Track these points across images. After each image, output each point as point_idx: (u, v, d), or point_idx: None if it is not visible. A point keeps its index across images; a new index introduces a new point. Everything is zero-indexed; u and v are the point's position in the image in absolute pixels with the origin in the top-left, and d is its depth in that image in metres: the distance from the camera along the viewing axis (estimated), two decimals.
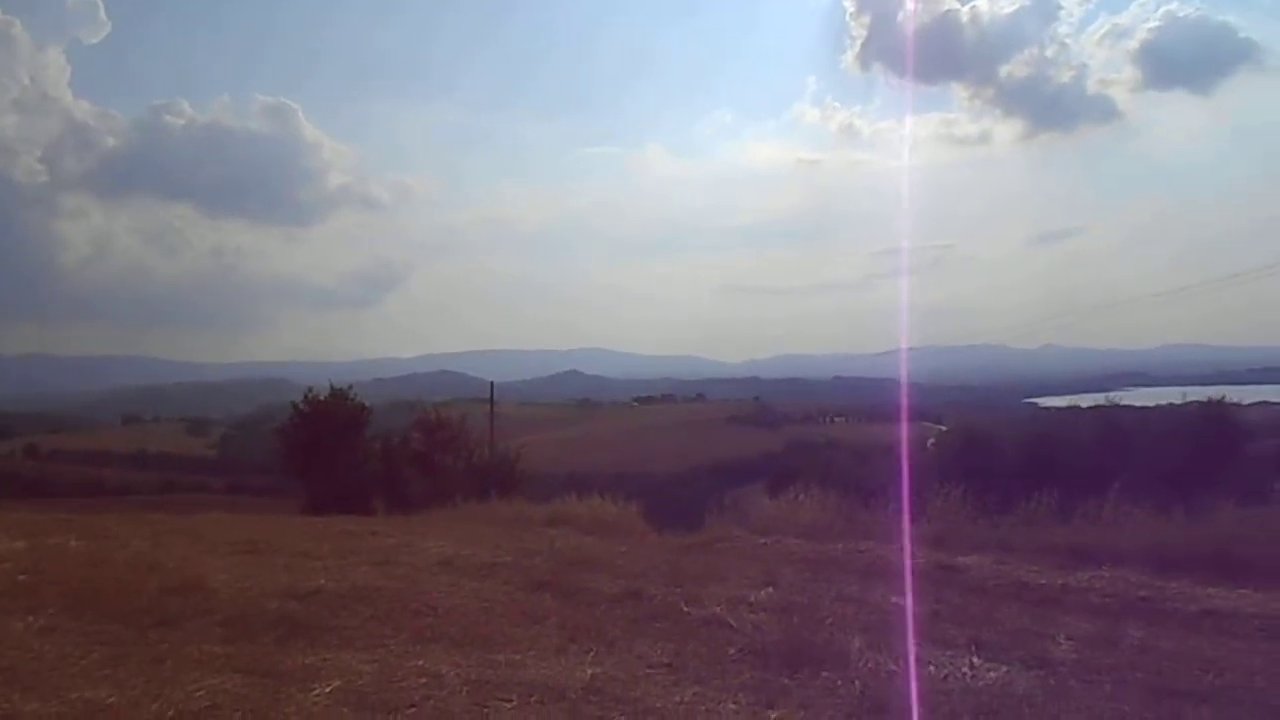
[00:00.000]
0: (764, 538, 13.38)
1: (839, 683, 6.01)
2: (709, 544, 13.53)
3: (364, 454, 27.51)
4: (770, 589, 9.22)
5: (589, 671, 6.26)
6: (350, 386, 28.80)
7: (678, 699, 5.71)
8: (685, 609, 8.34)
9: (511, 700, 5.65)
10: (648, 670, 6.43)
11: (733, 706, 5.56)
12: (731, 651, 6.91)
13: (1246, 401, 38.17)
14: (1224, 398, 33.61)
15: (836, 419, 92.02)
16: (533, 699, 5.68)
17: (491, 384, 31.97)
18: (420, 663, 6.29)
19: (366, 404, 29.18)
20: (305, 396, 28.29)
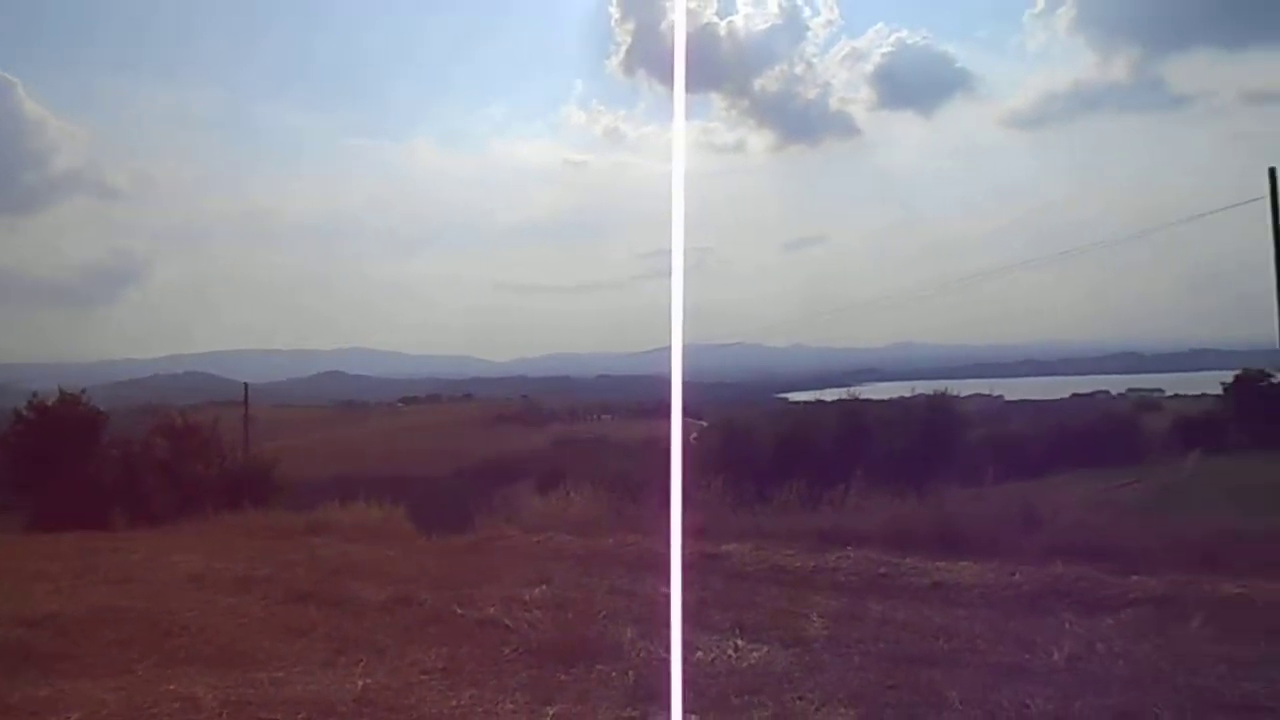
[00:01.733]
0: (536, 535, 13.47)
1: (613, 674, 6.17)
2: (480, 544, 13.46)
3: (100, 464, 25.10)
4: (544, 586, 9.31)
5: (360, 683, 6.09)
6: (84, 390, 26.39)
7: (454, 703, 5.67)
8: (458, 611, 8.26)
9: (277, 719, 5.40)
10: (422, 677, 6.33)
11: (510, 706, 5.58)
12: (507, 651, 6.92)
13: (964, 394, 42.32)
14: (946, 391, 37.02)
15: (603, 416, 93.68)
16: (299, 716, 5.44)
17: (246, 385, 30.23)
18: (172, 687, 5.87)
19: (102, 409, 26.75)
20: (30, 402, 25.55)
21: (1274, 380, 35.00)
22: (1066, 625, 7.20)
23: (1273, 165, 16.06)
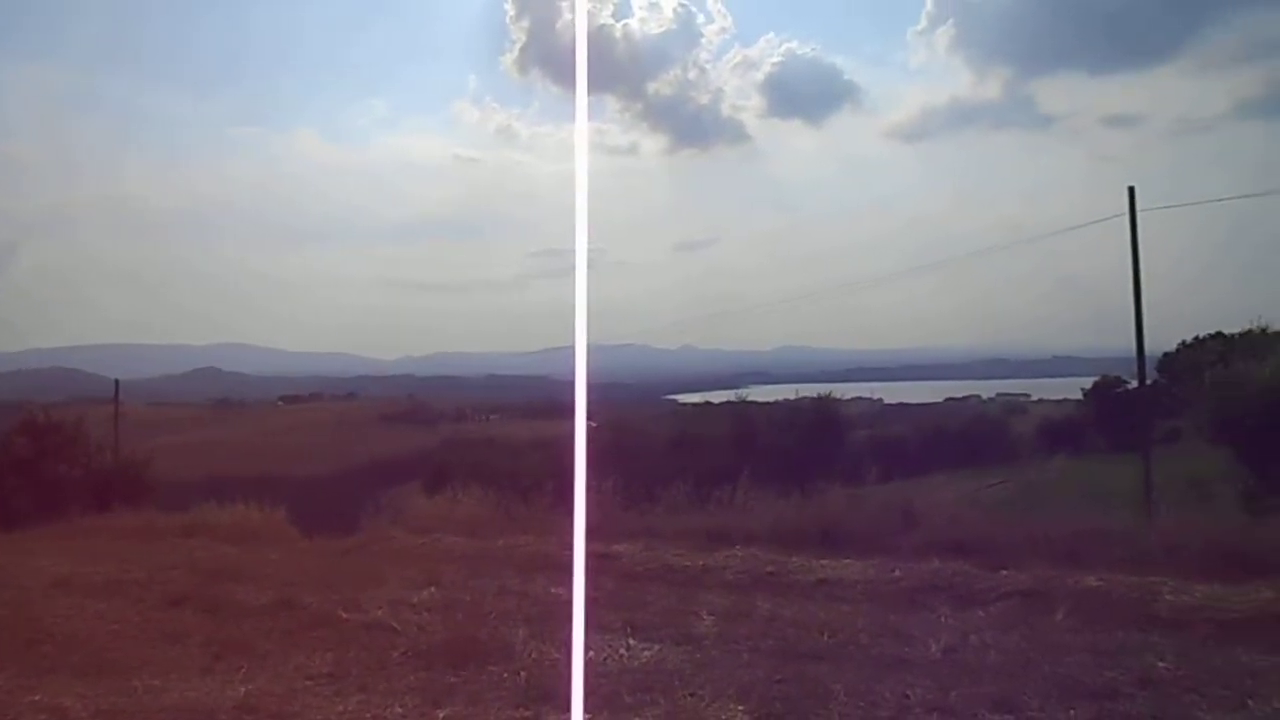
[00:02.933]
0: (423, 537, 13.26)
1: (505, 675, 6.16)
2: (365, 546, 13.17)
3: None
4: (432, 588, 9.20)
5: (241, 689, 5.92)
6: None
7: (340, 708, 5.56)
8: (344, 615, 8.10)
9: None
10: (307, 682, 6.19)
11: (399, 710, 5.50)
12: (395, 655, 6.83)
13: (847, 397, 43.41)
14: (830, 394, 37.93)
15: (492, 416, 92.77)
16: None
17: (116, 381, 28.71)
18: (38, 697, 5.60)
19: None
20: None
21: (1129, 387, 37.15)
22: (943, 619, 7.52)
23: (1131, 184, 17.11)
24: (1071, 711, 5.16)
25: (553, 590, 8.98)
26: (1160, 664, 5.97)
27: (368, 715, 5.43)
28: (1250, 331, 22.00)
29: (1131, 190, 16.21)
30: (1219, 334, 33.59)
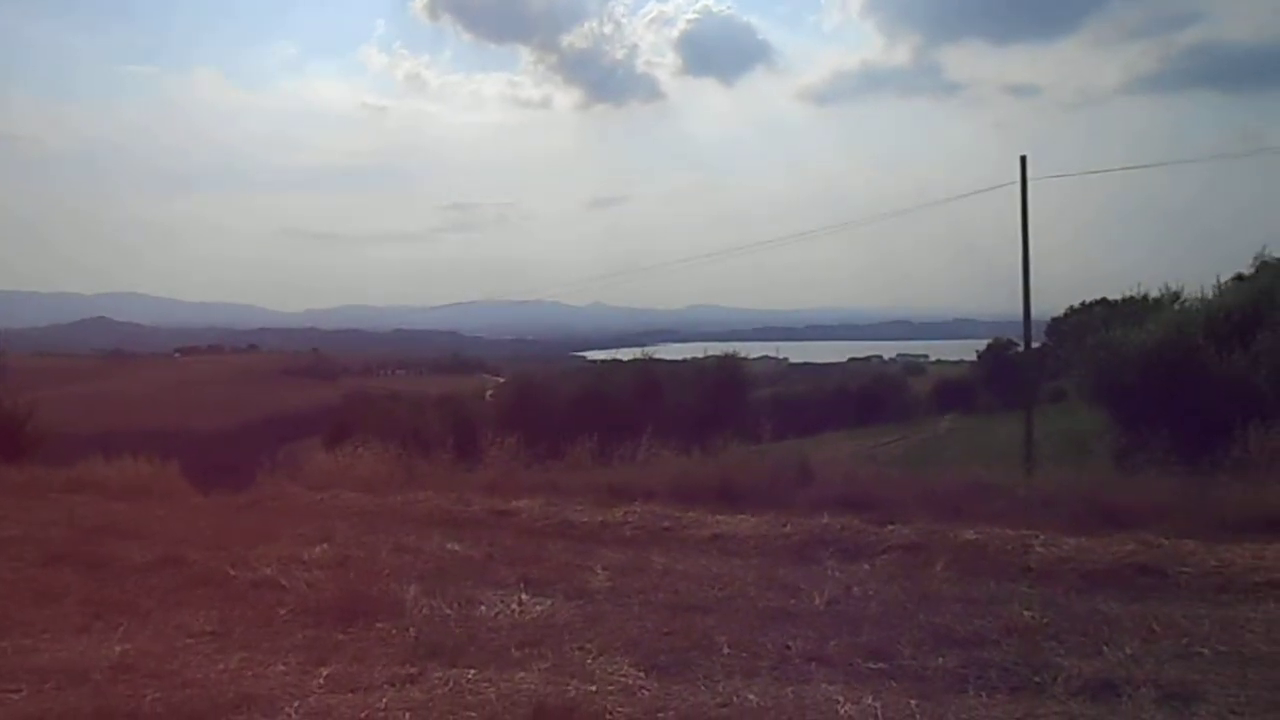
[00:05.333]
0: (320, 493, 13.04)
1: (394, 631, 6.12)
2: (260, 502, 12.89)
3: None
4: (325, 545, 9.05)
5: (118, 649, 5.76)
6: None
7: (221, 667, 5.45)
8: (231, 572, 7.92)
9: (21, 690, 5.05)
10: (188, 640, 6.05)
11: (282, 668, 5.42)
12: (282, 612, 6.71)
13: (752, 356, 44.15)
14: (735, 353, 38.51)
15: (397, 371, 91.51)
16: (48, 685, 5.11)
17: None
18: None
19: None
20: None
21: (1018, 349, 38.70)
22: (829, 571, 7.76)
23: (1023, 154, 17.63)
24: (941, 659, 5.39)
25: (448, 546, 8.95)
26: (1026, 613, 6.27)
27: (249, 673, 5.34)
28: (1131, 298, 23.02)
29: (1023, 159, 16.73)
30: (1103, 300, 35.11)
